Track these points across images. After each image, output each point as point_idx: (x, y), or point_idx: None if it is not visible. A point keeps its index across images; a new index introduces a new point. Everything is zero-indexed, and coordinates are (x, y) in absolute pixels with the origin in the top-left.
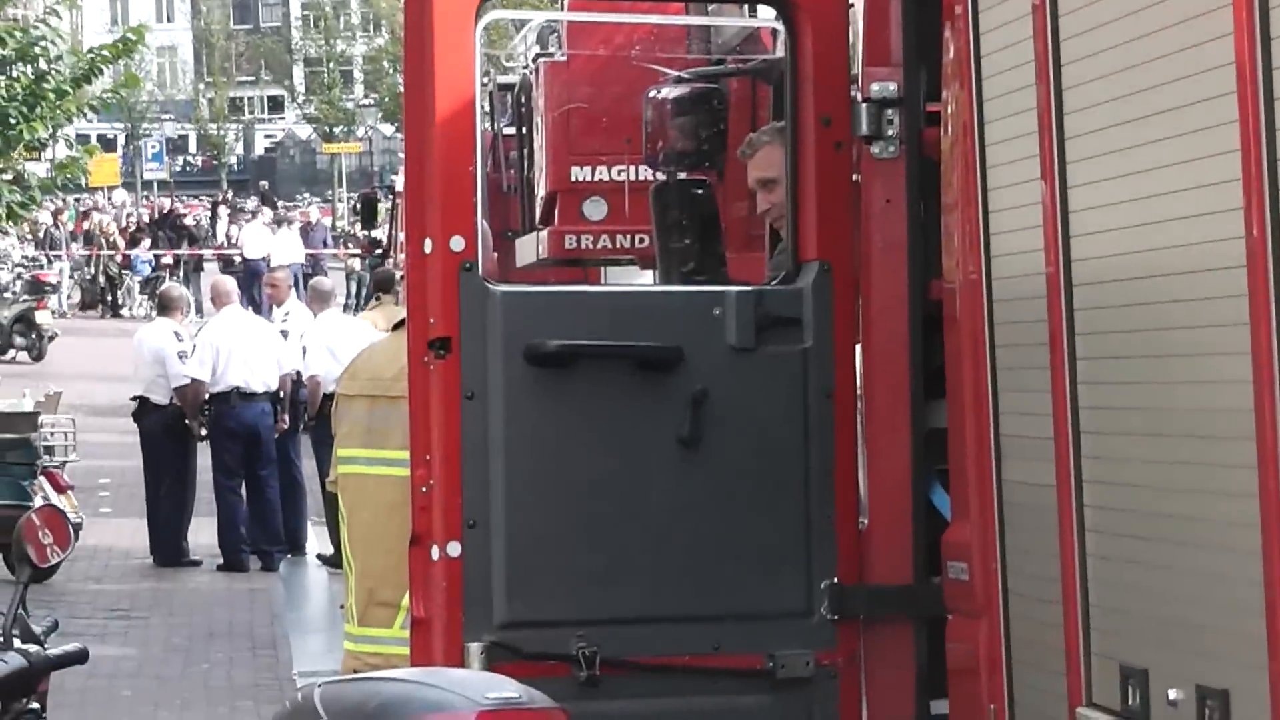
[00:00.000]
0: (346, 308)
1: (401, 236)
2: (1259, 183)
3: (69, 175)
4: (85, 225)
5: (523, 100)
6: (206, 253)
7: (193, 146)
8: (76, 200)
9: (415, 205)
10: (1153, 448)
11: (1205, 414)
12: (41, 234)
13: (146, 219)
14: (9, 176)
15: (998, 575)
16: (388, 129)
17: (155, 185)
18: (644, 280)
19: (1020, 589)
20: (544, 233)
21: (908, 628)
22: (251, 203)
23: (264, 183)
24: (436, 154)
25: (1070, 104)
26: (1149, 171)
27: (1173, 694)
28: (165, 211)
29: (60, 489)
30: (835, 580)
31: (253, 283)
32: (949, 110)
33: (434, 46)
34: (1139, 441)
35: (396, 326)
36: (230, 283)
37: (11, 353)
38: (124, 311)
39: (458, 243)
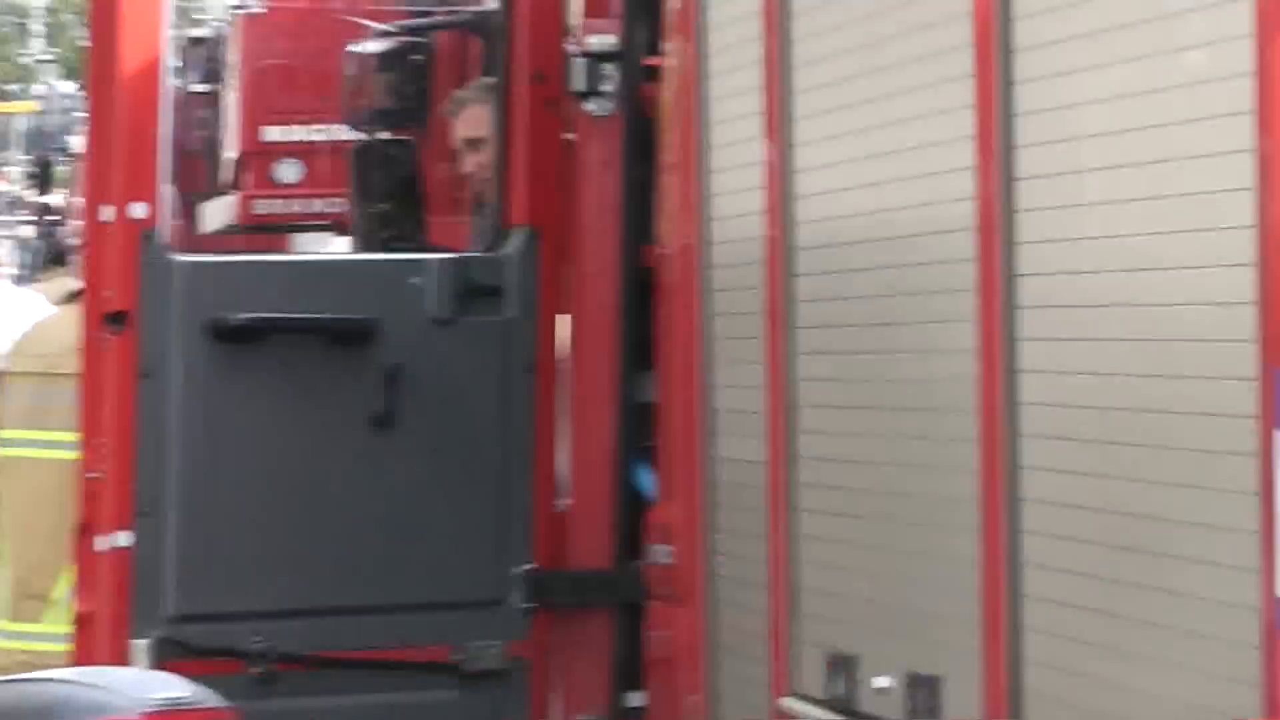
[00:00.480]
0: (21, 280)
1: (80, 202)
2: (992, 141)
3: None
4: None
5: (216, 55)
6: None
7: None
8: None
9: (96, 169)
10: (872, 421)
11: (927, 385)
12: None
13: None
14: None
15: (703, 558)
16: (69, 86)
17: None
18: (339, 247)
19: (726, 572)
20: (232, 197)
21: (607, 615)
22: None
23: None
24: (120, 113)
25: (798, 58)
26: (878, 129)
27: (881, 682)
28: None
29: None
30: (531, 566)
31: None
32: (670, 64)
33: None
34: (858, 414)
35: (71, 298)
36: None
37: None
38: None
39: (139, 209)
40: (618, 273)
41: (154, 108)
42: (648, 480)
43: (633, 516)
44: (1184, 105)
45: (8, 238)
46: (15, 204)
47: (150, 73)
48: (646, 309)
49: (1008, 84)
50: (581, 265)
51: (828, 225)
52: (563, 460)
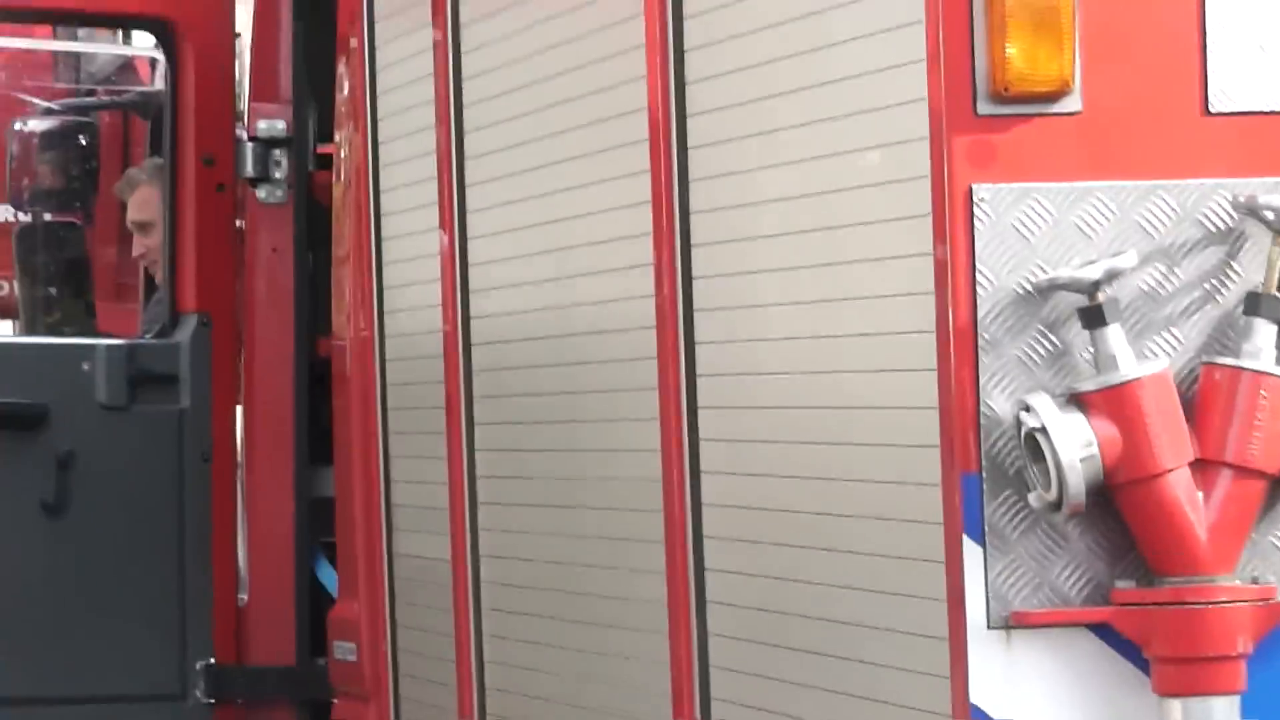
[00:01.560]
0: None
1: None
2: (670, 238)
3: None
4: None
5: None
6: None
7: None
8: None
9: None
10: (555, 520)
11: (611, 483)
12: None
13: None
14: None
15: (387, 656)
16: None
17: None
18: (4, 331)
19: (412, 669)
20: None
21: (290, 712)
22: None
23: None
24: None
25: (472, 149)
26: (555, 223)
27: None
28: None
29: None
30: (211, 660)
31: None
32: (342, 153)
33: None
34: (540, 513)
35: None
36: None
37: None
38: None
39: None
40: (292, 364)
41: None
42: (329, 576)
43: (315, 612)
44: (859, 207)
45: None
46: None
47: None
48: (322, 401)
49: (684, 181)
50: (254, 355)
51: (506, 320)
52: (242, 554)
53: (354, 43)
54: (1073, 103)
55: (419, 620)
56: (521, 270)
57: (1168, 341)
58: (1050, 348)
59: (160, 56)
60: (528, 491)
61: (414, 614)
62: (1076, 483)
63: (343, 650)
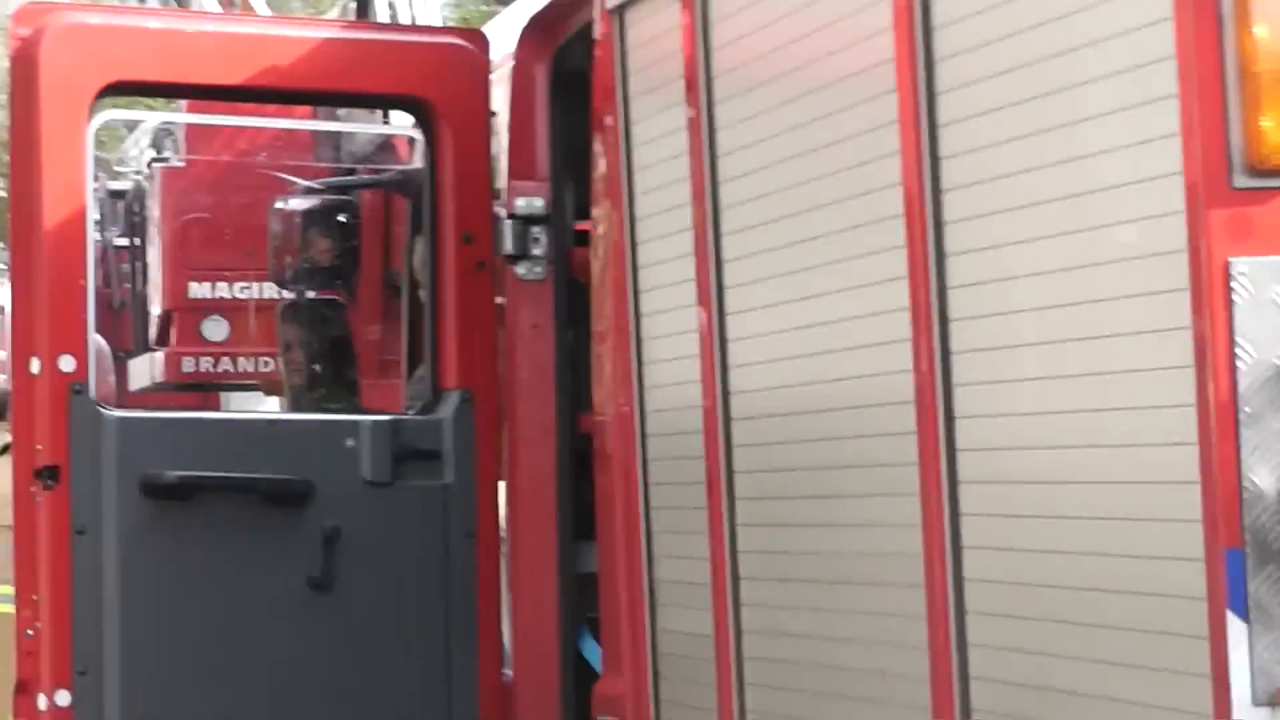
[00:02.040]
0: None
1: (4, 355)
2: (927, 312)
3: None
4: None
5: (136, 208)
6: None
7: None
8: None
9: (22, 321)
10: (816, 594)
11: (871, 559)
12: None
13: None
14: None
15: None
16: None
17: None
18: (270, 408)
19: None
20: (159, 354)
21: None
22: None
23: None
24: (44, 266)
25: (728, 225)
26: (812, 299)
27: None
28: None
29: None
30: None
31: None
32: (599, 229)
33: (41, 148)
34: (801, 588)
35: (3, 451)
36: None
37: None
38: None
39: (68, 363)
40: (554, 439)
41: (79, 261)
42: (593, 651)
43: (579, 687)
44: (1116, 282)
45: None
46: None
47: (74, 224)
48: (584, 476)
49: (940, 256)
50: (517, 431)
51: (765, 395)
52: (507, 629)
53: (609, 120)
54: None
55: (682, 696)
56: (779, 345)
57: None
58: None
59: (419, 135)
60: (789, 566)
61: (677, 689)
62: None
63: None
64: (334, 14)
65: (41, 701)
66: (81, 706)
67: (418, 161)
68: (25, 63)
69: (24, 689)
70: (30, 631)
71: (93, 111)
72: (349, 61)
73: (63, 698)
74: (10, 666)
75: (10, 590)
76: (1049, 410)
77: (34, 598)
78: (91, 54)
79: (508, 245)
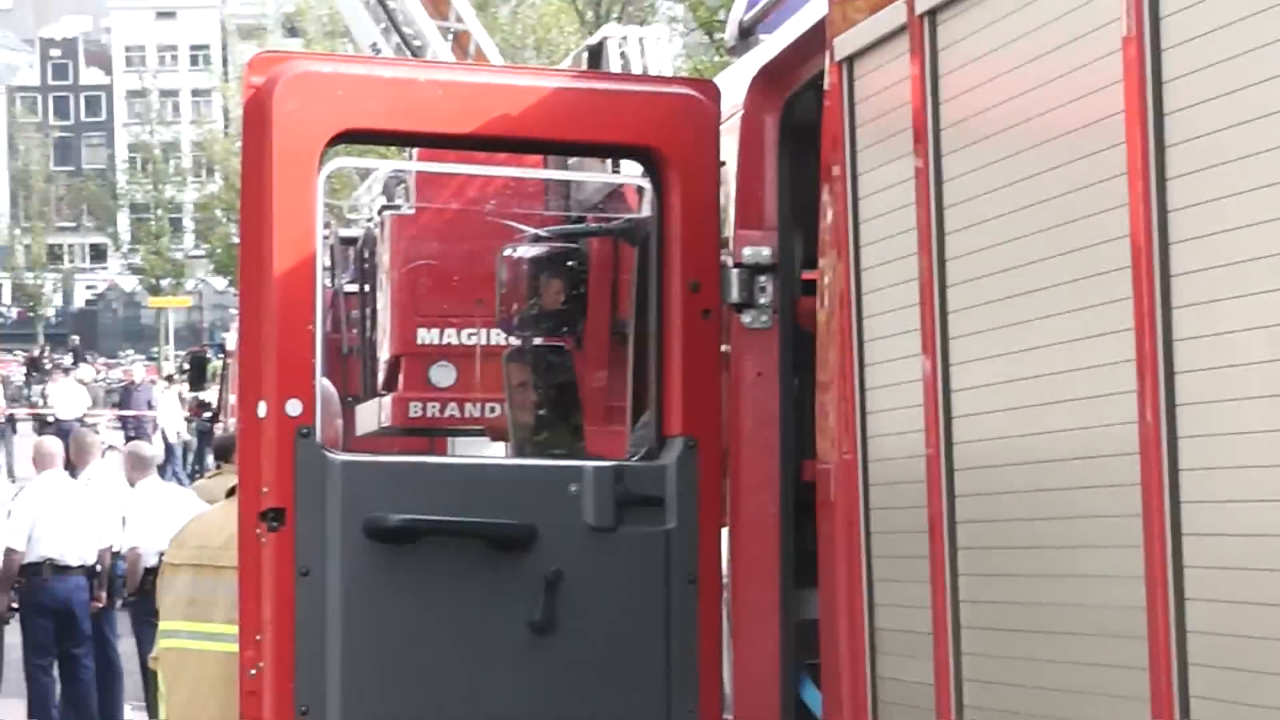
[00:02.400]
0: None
1: (233, 399)
2: (1153, 364)
3: None
4: None
5: (366, 255)
6: (20, 411)
7: (7, 297)
8: None
9: (249, 365)
10: (1037, 646)
11: (1094, 611)
12: None
13: None
14: None
15: None
16: (220, 282)
17: None
18: (495, 453)
19: None
20: (387, 399)
21: None
22: (68, 359)
23: (75, 337)
24: (273, 310)
25: (953, 276)
26: (1036, 350)
27: None
28: None
29: None
30: None
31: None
32: (826, 279)
33: (273, 193)
34: (1022, 638)
35: (230, 493)
36: (54, 444)
37: None
38: None
39: (294, 406)
40: (776, 487)
41: (308, 306)
42: (814, 698)
43: None
44: None
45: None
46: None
47: (303, 269)
48: (807, 524)
49: (1167, 309)
50: (740, 478)
51: (988, 445)
52: (728, 675)
53: (836, 170)
54: None
55: None
56: (1003, 395)
57: None
58: None
59: (647, 184)
60: (1010, 617)
61: None
62: None
63: None
64: (566, 64)
65: None
66: None
67: (646, 210)
68: (258, 110)
69: None
70: (254, 671)
71: (323, 159)
72: (579, 111)
73: None
74: (234, 706)
75: (234, 630)
76: (1278, 465)
77: (257, 638)
78: (323, 102)
79: (734, 294)
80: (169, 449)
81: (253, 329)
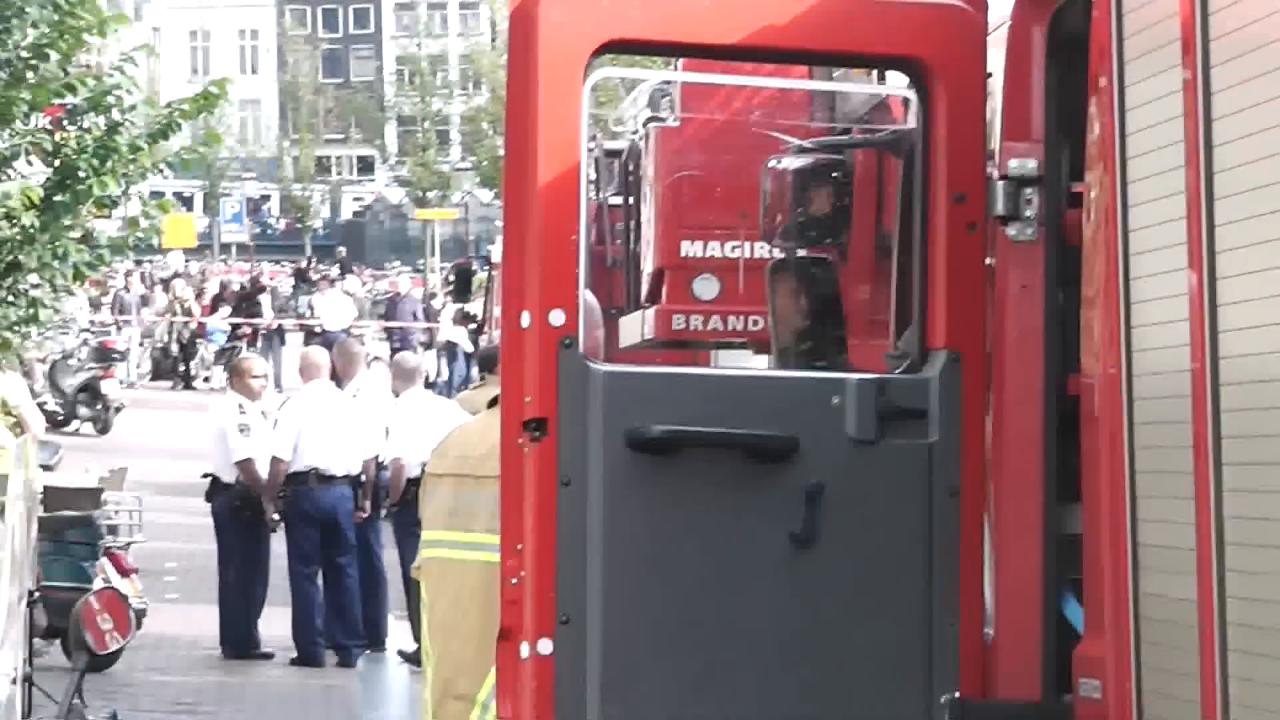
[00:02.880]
0: (432, 385)
1: (497, 310)
2: None
3: (141, 235)
4: (166, 292)
5: (631, 167)
6: (288, 323)
7: (275, 208)
8: (149, 262)
9: (513, 276)
10: None
11: None
12: (110, 298)
13: (223, 286)
14: (77, 234)
15: (1132, 695)
16: (486, 195)
17: (234, 248)
18: (757, 365)
19: (1156, 711)
20: (650, 311)
21: None
22: (334, 271)
23: (341, 248)
24: (537, 220)
25: (1221, 189)
26: None
27: None
28: (253, 279)
29: (123, 571)
30: (957, 694)
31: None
32: (1092, 193)
33: (538, 104)
34: None
35: (491, 403)
36: (321, 355)
37: (75, 424)
38: (196, 383)
39: (557, 317)
40: (1040, 401)
41: (572, 216)
42: (1075, 613)
43: (1060, 649)
44: None
45: (424, 345)
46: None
47: (567, 180)
48: (1071, 438)
49: None
50: (1003, 392)
51: (1256, 360)
52: (989, 589)
53: (1103, 82)
54: None
55: (1165, 660)
56: (1272, 310)
57: None
58: None
59: (913, 96)
60: (1277, 533)
61: (1159, 654)
62: None
63: (1088, 688)
64: None
65: (524, 649)
66: (564, 655)
67: (911, 122)
68: (523, 21)
69: (507, 636)
70: (514, 580)
71: (589, 70)
72: (846, 21)
73: (545, 646)
74: (495, 614)
75: (495, 540)
76: None
77: (518, 547)
78: (588, 12)
79: (999, 206)
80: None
81: (517, 240)
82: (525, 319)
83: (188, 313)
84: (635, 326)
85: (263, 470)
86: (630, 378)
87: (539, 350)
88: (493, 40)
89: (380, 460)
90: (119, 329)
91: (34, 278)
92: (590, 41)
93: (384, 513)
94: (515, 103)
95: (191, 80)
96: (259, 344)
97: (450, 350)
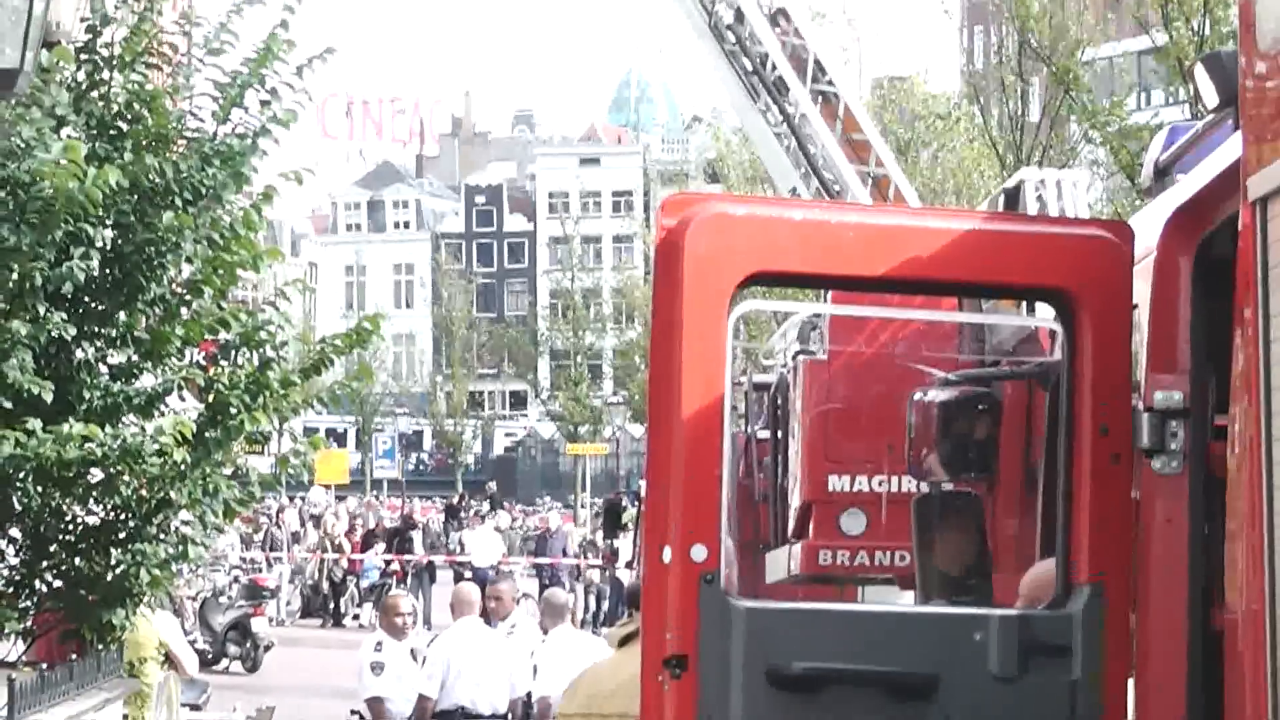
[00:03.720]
0: (583, 624)
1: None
2: None
3: (293, 471)
4: (317, 529)
5: (779, 401)
6: (438, 559)
7: (427, 443)
8: (301, 498)
9: (656, 509)
10: None
11: None
12: (262, 535)
13: (377, 523)
14: (228, 470)
15: None
16: (637, 429)
17: (385, 484)
18: (904, 600)
19: None
20: (797, 546)
21: None
22: (485, 506)
23: (492, 484)
24: (679, 453)
25: None
26: None
27: None
28: (405, 515)
29: None
30: None
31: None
32: (1237, 425)
33: (683, 335)
34: None
35: (624, 641)
36: (473, 592)
37: (225, 662)
38: (346, 620)
39: (699, 552)
40: (1185, 636)
41: (715, 450)
42: None
43: None
44: None
45: (579, 582)
46: (584, 547)
47: (711, 414)
48: (1216, 673)
49: None
50: (1148, 626)
51: None
52: None
53: (1248, 312)
54: None
55: None
56: None
57: None
58: None
59: (1058, 327)
60: None
61: None
62: None
63: None
64: (983, 207)
65: None
66: None
67: (1057, 354)
68: (670, 251)
69: None
70: None
71: (734, 301)
72: (991, 252)
73: None
74: None
75: None
76: None
77: None
78: (735, 243)
79: (1145, 438)
80: None
81: (660, 472)
82: (666, 554)
83: (338, 549)
84: (782, 561)
85: (404, 709)
86: (771, 614)
87: (680, 586)
88: (646, 274)
89: (529, 699)
90: (270, 565)
91: (185, 514)
92: (736, 273)
93: None
94: (660, 333)
95: (346, 315)
96: (409, 580)
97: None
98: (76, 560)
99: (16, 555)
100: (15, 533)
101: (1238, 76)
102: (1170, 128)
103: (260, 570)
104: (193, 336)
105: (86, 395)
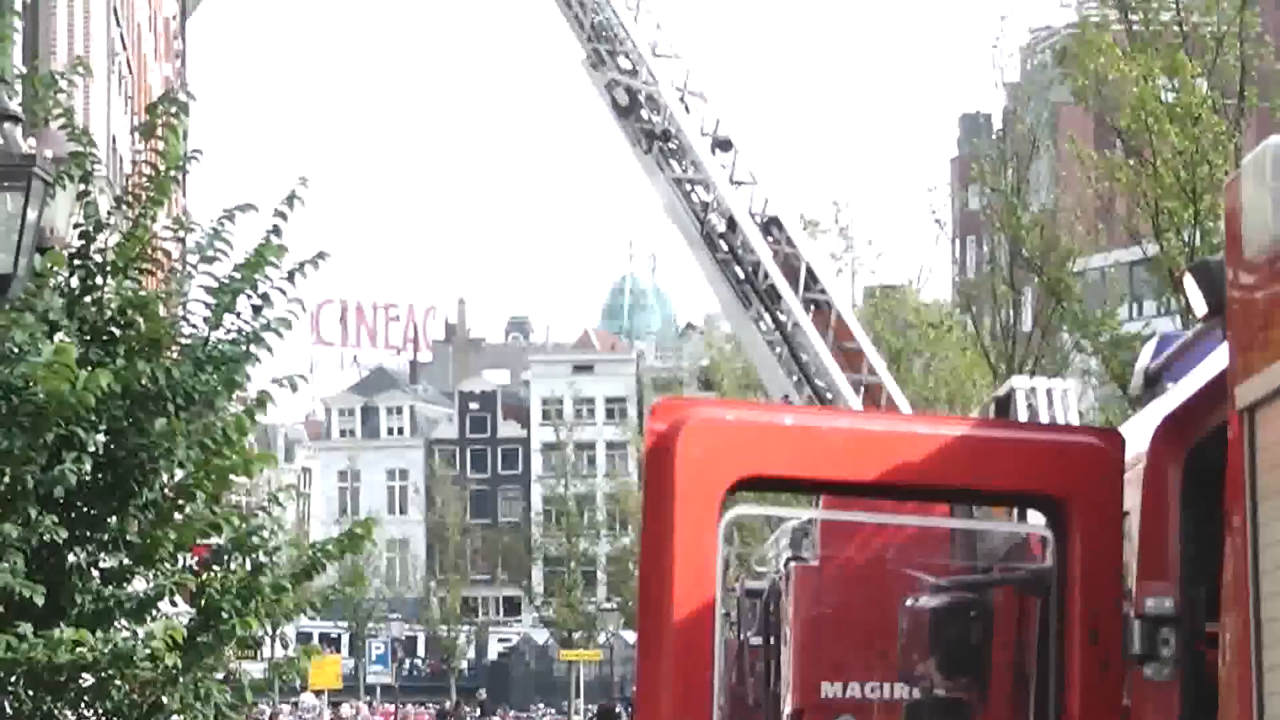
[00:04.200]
0: None
1: None
2: None
3: (285, 677)
4: None
5: (771, 607)
6: None
7: (420, 649)
8: (293, 704)
9: (647, 710)
10: None
11: None
12: None
13: None
14: (219, 675)
15: None
16: (631, 635)
17: (379, 690)
18: None
19: None
20: None
21: None
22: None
23: (482, 691)
24: (669, 657)
25: None
26: None
27: None
28: None
29: None
30: None
31: None
32: (1227, 633)
33: (674, 538)
34: None
35: None
36: None
37: None
38: None
39: None
40: None
41: (706, 657)
42: None
43: None
44: None
45: None
46: None
47: (702, 621)
48: None
49: None
50: None
51: None
52: None
53: (1237, 520)
54: None
55: None
56: None
57: None
58: None
59: (1049, 534)
60: None
61: None
62: None
63: None
64: (974, 413)
65: None
66: None
67: (1048, 560)
68: (661, 455)
69: None
70: None
71: (725, 506)
72: (981, 458)
73: None
74: None
75: None
76: None
77: None
78: (726, 448)
79: (1136, 645)
80: None
81: (651, 678)
82: None
83: None
84: None
85: None
86: None
87: None
88: (639, 480)
89: None
90: None
91: (176, 719)
92: (727, 477)
93: None
94: (651, 538)
95: (340, 520)
96: None
97: None
98: None
99: None
100: None
101: (1225, 285)
102: (1160, 336)
103: None
104: (185, 541)
105: (78, 599)
